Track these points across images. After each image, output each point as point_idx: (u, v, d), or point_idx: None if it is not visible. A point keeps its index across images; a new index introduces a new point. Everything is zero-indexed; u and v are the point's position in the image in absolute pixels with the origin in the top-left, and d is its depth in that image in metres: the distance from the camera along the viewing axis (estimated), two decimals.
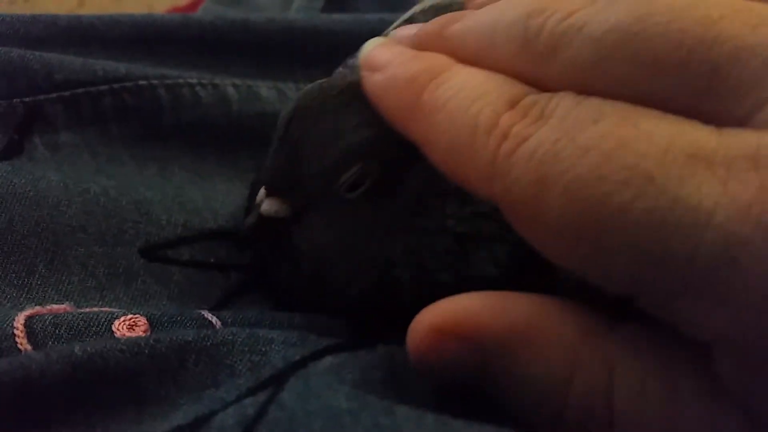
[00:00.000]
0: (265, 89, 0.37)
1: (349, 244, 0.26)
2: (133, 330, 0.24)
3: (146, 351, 0.22)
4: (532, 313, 0.20)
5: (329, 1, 0.49)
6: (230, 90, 0.36)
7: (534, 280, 0.22)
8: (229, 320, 0.26)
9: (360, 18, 0.40)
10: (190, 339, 0.23)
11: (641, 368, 0.19)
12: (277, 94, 0.36)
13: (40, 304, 0.26)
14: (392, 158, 0.25)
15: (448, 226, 0.25)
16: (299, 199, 0.26)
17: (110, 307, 0.28)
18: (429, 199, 0.25)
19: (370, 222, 0.26)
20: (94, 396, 0.22)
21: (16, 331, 0.24)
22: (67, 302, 0.27)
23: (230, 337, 0.23)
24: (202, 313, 0.26)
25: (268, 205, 0.26)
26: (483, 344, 0.20)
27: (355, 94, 0.24)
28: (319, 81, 0.27)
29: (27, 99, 0.33)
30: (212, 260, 0.31)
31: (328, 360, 0.23)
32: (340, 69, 0.29)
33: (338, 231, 0.26)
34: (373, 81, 0.23)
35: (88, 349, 0.22)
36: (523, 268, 0.25)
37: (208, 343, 0.23)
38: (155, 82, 0.35)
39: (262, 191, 0.26)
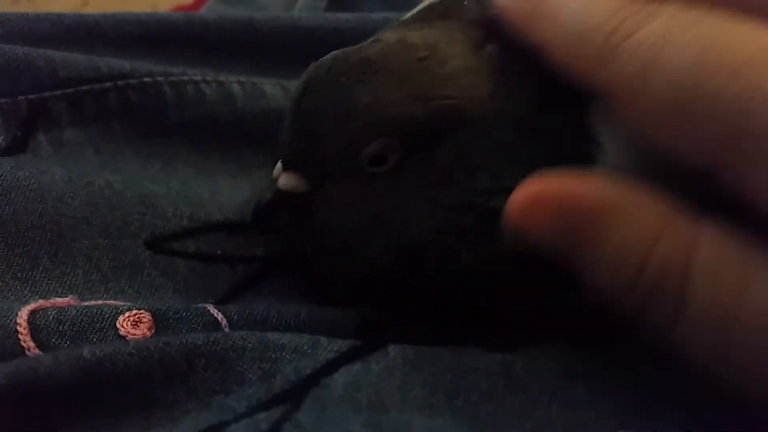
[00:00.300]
0: (269, 86, 0.36)
1: (371, 221, 0.25)
2: (138, 327, 0.24)
3: (155, 355, 0.22)
4: (625, 188, 0.22)
5: (333, 1, 0.49)
6: (235, 87, 0.36)
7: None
8: (235, 316, 0.26)
9: (365, 17, 0.40)
10: (199, 342, 0.23)
11: (721, 250, 0.21)
12: (281, 91, 0.36)
13: (44, 297, 0.26)
14: (414, 134, 0.24)
15: (478, 203, 0.25)
16: (317, 173, 0.25)
17: (115, 300, 0.27)
18: (458, 175, 0.25)
19: (393, 198, 0.25)
20: (102, 400, 0.22)
21: (19, 328, 0.24)
22: (72, 295, 0.27)
23: (240, 342, 0.23)
24: (208, 308, 0.26)
25: (285, 180, 0.26)
26: (578, 211, 0.22)
27: (371, 67, 0.24)
28: (331, 54, 0.26)
29: (31, 96, 0.33)
30: (219, 252, 0.30)
31: (341, 379, 0.23)
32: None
33: (360, 207, 0.26)
34: None
35: (97, 352, 0.22)
36: None
37: (218, 348, 0.23)
38: (160, 79, 0.35)
39: (278, 166, 0.26)
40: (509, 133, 0.25)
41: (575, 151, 0.24)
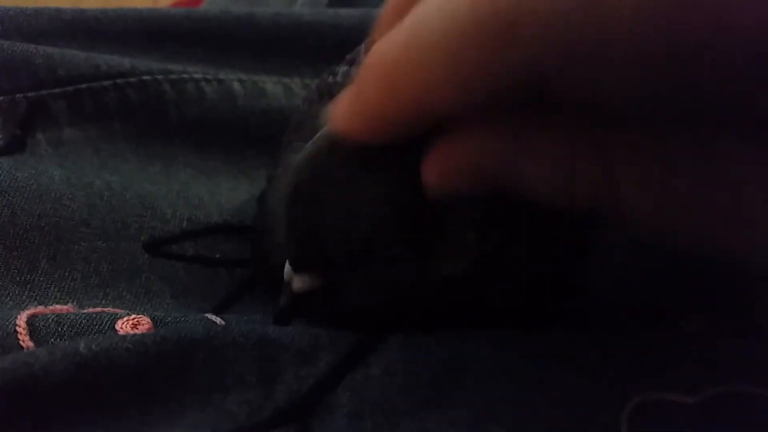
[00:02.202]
0: (270, 85, 0.36)
1: (399, 296, 0.25)
2: (137, 328, 0.24)
3: (153, 350, 0.22)
4: (519, 134, 0.19)
5: None
6: (236, 85, 0.36)
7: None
8: (234, 323, 0.26)
9: (367, 13, 0.40)
10: (198, 337, 0.23)
11: (641, 158, 0.18)
12: (282, 90, 0.36)
13: (42, 303, 0.26)
14: (416, 226, 0.23)
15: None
16: (332, 269, 0.24)
17: (113, 305, 0.27)
18: (469, 235, 0.24)
19: (413, 272, 0.24)
20: (99, 395, 0.22)
21: (18, 329, 0.23)
22: (71, 302, 0.27)
23: (241, 339, 0.23)
24: (207, 316, 0.26)
25: (298, 283, 0.24)
26: (487, 170, 0.19)
27: (359, 161, 0.23)
28: (314, 145, 0.24)
29: (30, 94, 0.33)
30: (217, 256, 0.30)
31: (345, 396, 0.22)
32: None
33: (384, 285, 0.24)
34: None
35: (93, 347, 0.22)
36: None
37: (217, 344, 0.23)
38: (159, 77, 0.35)
39: (287, 268, 0.25)
40: None
41: None
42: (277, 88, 0.36)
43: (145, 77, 0.34)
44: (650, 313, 0.26)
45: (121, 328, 0.24)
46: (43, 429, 0.21)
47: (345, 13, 0.40)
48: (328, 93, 0.29)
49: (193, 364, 0.22)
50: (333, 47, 0.37)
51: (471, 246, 0.24)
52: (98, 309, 0.26)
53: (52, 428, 0.21)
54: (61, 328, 0.24)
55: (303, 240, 0.24)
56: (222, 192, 0.33)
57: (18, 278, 0.27)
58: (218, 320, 0.26)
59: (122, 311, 0.25)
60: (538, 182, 0.19)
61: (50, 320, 0.24)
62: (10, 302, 0.27)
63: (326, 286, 0.24)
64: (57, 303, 0.26)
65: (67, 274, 0.28)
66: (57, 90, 0.33)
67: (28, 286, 0.27)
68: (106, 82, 0.34)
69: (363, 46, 0.28)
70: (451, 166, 0.20)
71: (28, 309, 0.25)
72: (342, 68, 0.29)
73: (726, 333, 0.26)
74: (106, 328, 0.24)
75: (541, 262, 0.24)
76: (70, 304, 0.26)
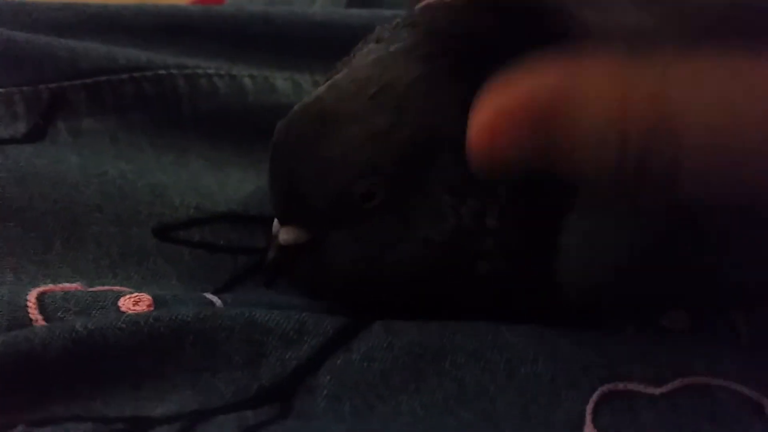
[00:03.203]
0: (280, 80, 0.38)
1: (379, 256, 0.26)
2: (138, 305, 0.26)
3: (145, 329, 0.24)
4: (573, 65, 0.20)
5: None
6: (246, 81, 0.37)
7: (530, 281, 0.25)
8: (230, 302, 0.27)
9: (377, 13, 0.41)
10: (189, 320, 0.24)
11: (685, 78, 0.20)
12: (292, 86, 0.38)
13: (54, 282, 0.28)
14: (389, 167, 0.25)
15: (467, 234, 0.25)
16: (314, 221, 0.26)
17: (121, 285, 0.29)
18: (445, 201, 0.25)
19: (387, 236, 0.26)
20: (94, 370, 0.23)
21: (29, 304, 0.25)
22: (80, 281, 0.28)
23: (229, 322, 0.24)
24: (206, 296, 0.28)
25: (285, 234, 0.26)
26: (543, 112, 0.20)
27: (329, 118, 0.25)
28: (292, 110, 0.26)
29: (52, 85, 0.35)
30: (221, 243, 0.32)
31: (325, 378, 0.23)
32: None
33: (365, 243, 0.26)
34: None
35: (89, 325, 0.23)
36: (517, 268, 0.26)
37: (207, 326, 0.24)
38: (174, 71, 0.36)
39: (275, 223, 0.27)
40: None
41: None
42: (286, 84, 0.38)
43: (160, 71, 0.36)
44: (627, 307, 0.27)
45: (123, 304, 0.25)
46: (42, 400, 0.23)
47: (356, 13, 0.41)
48: None
49: (183, 344, 0.24)
50: (343, 45, 0.39)
51: (447, 210, 0.25)
52: (106, 288, 0.28)
53: (51, 400, 0.23)
54: (68, 304, 0.25)
55: (284, 193, 0.26)
56: (230, 182, 0.34)
57: (34, 258, 0.29)
58: (216, 300, 0.27)
59: (127, 290, 0.27)
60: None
61: (58, 297, 0.25)
62: (26, 279, 0.28)
63: (311, 242, 0.26)
64: (68, 282, 0.28)
65: (79, 255, 0.30)
66: (77, 82, 0.35)
67: (43, 265, 0.29)
68: (124, 75, 0.36)
69: (360, 44, 0.29)
70: (510, 126, 0.20)
71: (39, 287, 0.26)
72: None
73: (701, 328, 0.27)
74: (109, 304, 0.25)
75: (514, 239, 0.25)
76: (78, 283, 0.28)
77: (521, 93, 0.20)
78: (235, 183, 0.34)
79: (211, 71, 0.37)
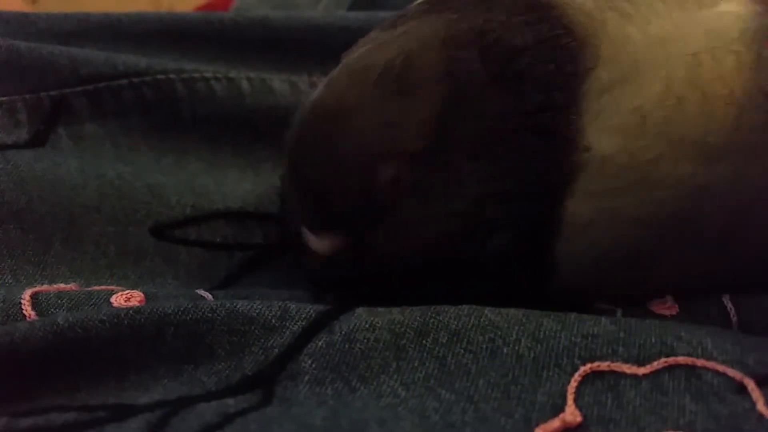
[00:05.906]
0: (278, 82, 0.38)
1: (417, 243, 0.26)
2: (129, 302, 0.26)
3: (125, 322, 0.24)
4: None
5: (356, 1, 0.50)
6: (244, 83, 0.38)
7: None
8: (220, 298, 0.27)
9: (374, 16, 0.42)
10: (169, 312, 0.24)
11: None
12: (289, 88, 0.38)
13: (52, 282, 0.28)
14: (412, 150, 0.25)
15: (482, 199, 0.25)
16: (347, 224, 0.26)
17: (118, 284, 0.29)
18: (464, 169, 0.25)
19: (423, 213, 0.26)
20: (78, 362, 0.23)
21: (23, 301, 0.26)
22: (77, 281, 0.29)
23: (210, 314, 0.24)
24: (198, 292, 0.28)
25: (319, 243, 0.26)
26: None
27: (339, 114, 0.25)
28: (299, 117, 0.26)
29: (53, 93, 0.36)
30: (218, 239, 0.32)
31: (307, 362, 0.24)
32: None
33: (402, 236, 0.26)
34: None
35: (70, 318, 0.24)
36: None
37: (188, 318, 0.24)
38: (172, 76, 0.37)
39: (305, 232, 0.26)
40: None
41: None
42: (284, 85, 0.38)
43: (159, 76, 0.37)
44: (619, 294, 0.27)
45: (115, 300, 0.26)
46: (26, 393, 0.23)
47: (353, 16, 0.42)
48: None
49: (164, 336, 0.24)
50: (340, 48, 0.39)
51: (466, 177, 0.25)
52: (102, 287, 0.28)
53: (35, 392, 0.23)
54: (61, 301, 0.26)
55: (311, 198, 0.26)
56: (228, 182, 0.35)
57: (33, 259, 0.30)
58: (208, 296, 0.27)
59: (120, 288, 0.27)
60: None
61: (51, 294, 0.26)
62: (24, 280, 0.29)
63: (350, 247, 0.26)
64: (65, 282, 0.28)
65: (77, 255, 0.30)
66: (78, 88, 0.36)
67: (41, 266, 0.30)
68: (123, 81, 0.36)
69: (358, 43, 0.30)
70: None
71: (35, 287, 0.27)
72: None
73: (689, 312, 0.27)
74: (101, 301, 0.26)
75: (524, 207, 0.25)
76: (74, 283, 0.28)
77: None
78: (233, 182, 0.35)
79: (208, 75, 0.37)
